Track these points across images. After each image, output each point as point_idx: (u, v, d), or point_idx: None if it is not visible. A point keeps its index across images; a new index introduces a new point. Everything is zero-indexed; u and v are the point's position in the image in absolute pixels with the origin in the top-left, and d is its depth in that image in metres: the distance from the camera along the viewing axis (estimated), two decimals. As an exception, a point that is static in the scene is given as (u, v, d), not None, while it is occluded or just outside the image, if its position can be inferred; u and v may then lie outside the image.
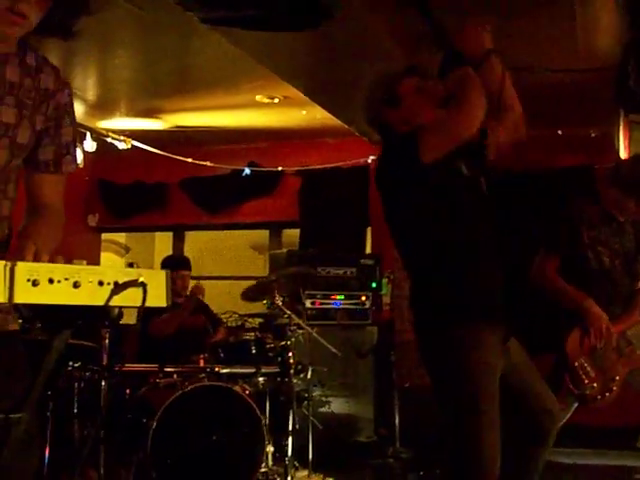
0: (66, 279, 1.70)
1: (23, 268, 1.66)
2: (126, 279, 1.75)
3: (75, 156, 2.58)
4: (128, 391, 5.70)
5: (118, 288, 1.73)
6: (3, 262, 1.65)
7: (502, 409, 3.47)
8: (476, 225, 3.67)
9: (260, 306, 7.27)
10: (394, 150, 3.73)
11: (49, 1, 2.23)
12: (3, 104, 2.34)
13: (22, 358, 2.36)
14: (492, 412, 3.45)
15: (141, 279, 1.75)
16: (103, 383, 5.32)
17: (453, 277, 3.56)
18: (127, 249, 12.14)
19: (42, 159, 2.48)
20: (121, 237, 11.89)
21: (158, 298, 1.79)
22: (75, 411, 5.48)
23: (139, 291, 1.75)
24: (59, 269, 1.70)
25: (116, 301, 1.73)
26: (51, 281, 1.68)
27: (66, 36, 2.43)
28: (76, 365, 5.52)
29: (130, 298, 1.75)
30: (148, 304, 1.76)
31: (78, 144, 8.09)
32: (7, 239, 2.43)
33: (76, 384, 5.51)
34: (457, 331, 3.49)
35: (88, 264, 6.45)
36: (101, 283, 1.73)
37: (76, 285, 1.70)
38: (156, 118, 8.55)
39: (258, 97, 7.68)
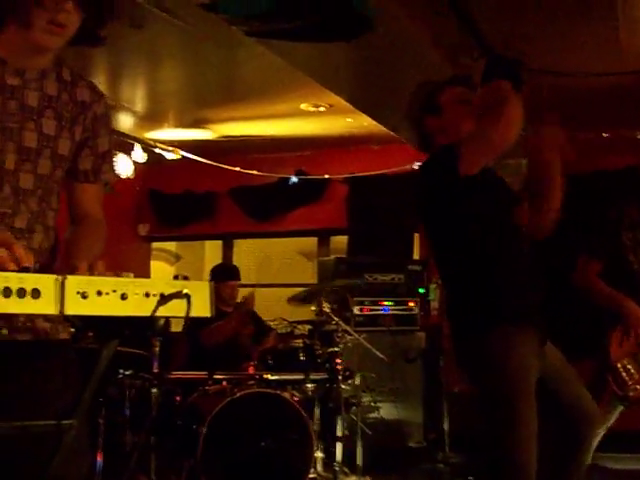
0: (114, 291, 1.77)
1: (73, 281, 1.74)
2: (171, 291, 1.82)
3: (113, 165, 2.65)
4: (178, 398, 5.76)
5: (163, 299, 1.80)
6: (54, 276, 1.73)
7: (540, 413, 3.50)
8: (513, 233, 3.70)
9: (309, 313, 7.32)
10: (433, 160, 3.76)
11: (83, 11, 2.30)
12: (43, 117, 2.42)
13: (73, 366, 2.43)
14: (528, 413, 3.47)
15: (185, 291, 1.81)
16: (154, 390, 5.41)
17: (490, 284, 3.59)
18: (177, 257, 12.25)
19: (81, 169, 2.55)
20: (171, 246, 12.02)
21: (202, 309, 1.85)
22: (126, 418, 5.56)
23: (184, 302, 1.81)
24: (107, 282, 1.77)
25: (162, 312, 1.80)
26: (99, 293, 1.75)
27: (95, 43, 2.49)
28: (127, 373, 5.61)
29: (175, 309, 1.82)
30: (192, 314, 1.82)
31: (127, 155, 8.25)
32: (54, 248, 2.51)
33: (127, 391, 5.58)
34: (493, 335, 3.53)
35: (138, 273, 6.57)
36: (147, 295, 1.80)
37: (124, 297, 1.77)
38: (204, 128, 8.65)
39: (303, 106, 7.74)
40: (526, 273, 3.67)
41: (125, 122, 8.38)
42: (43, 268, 2.36)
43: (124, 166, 8.43)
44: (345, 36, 4.96)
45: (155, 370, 5.56)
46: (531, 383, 3.52)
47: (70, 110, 2.48)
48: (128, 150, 8.43)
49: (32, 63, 2.40)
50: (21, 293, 1.68)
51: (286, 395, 5.64)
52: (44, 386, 2.33)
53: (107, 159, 2.60)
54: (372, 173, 9.16)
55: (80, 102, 2.51)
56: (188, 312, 1.80)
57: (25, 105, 2.39)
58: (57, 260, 2.48)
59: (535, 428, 3.47)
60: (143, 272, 10.56)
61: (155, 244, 11.16)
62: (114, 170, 2.65)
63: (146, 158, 8.58)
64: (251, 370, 6.07)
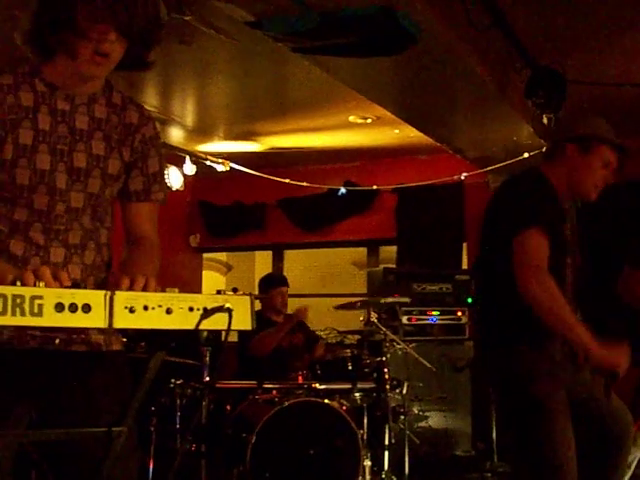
0: (160, 306, 1.87)
1: (121, 297, 1.84)
2: (214, 305, 1.91)
3: (164, 185, 2.75)
4: (228, 407, 5.87)
5: (206, 313, 1.89)
6: (104, 291, 1.83)
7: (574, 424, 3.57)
8: (561, 250, 3.74)
9: (358, 323, 7.39)
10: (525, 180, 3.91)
11: (127, 40, 2.39)
12: (93, 138, 2.54)
13: (125, 375, 2.55)
14: (561, 415, 3.53)
15: (227, 305, 1.91)
16: (204, 399, 5.51)
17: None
18: (229, 267, 12.39)
19: (132, 189, 2.66)
20: (222, 256, 12.16)
21: (243, 322, 1.94)
22: (177, 426, 5.67)
23: (226, 316, 1.91)
24: (153, 297, 1.87)
25: (205, 325, 1.89)
26: (146, 308, 1.85)
27: (142, 68, 2.59)
28: (178, 382, 5.71)
29: (218, 322, 1.90)
30: (234, 328, 1.91)
31: (178, 167, 8.39)
32: (108, 264, 2.63)
33: (178, 400, 5.69)
34: (522, 346, 3.60)
35: (191, 283, 6.69)
36: (191, 309, 1.89)
37: (169, 311, 1.87)
38: (253, 140, 8.77)
39: (351, 118, 7.83)
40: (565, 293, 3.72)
41: (176, 135, 8.53)
42: (96, 283, 2.48)
43: (175, 178, 8.57)
44: (389, 51, 5.03)
45: (205, 379, 5.67)
46: (559, 388, 3.59)
47: (119, 132, 2.60)
48: (179, 163, 8.57)
49: (81, 89, 2.52)
50: (73, 308, 1.79)
51: (334, 404, 5.70)
52: (97, 395, 2.45)
53: (158, 179, 2.71)
54: (420, 183, 9.21)
55: (129, 124, 2.62)
56: (229, 325, 1.89)
57: (75, 128, 2.51)
58: (110, 278, 2.59)
59: (569, 428, 3.54)
60: (195, 282, 10.71)
61: (206, 254, 11.30)
62: (165, 190, 2.74)
63: (196, 170, 8.71)
64: (300, 379, 6.14)
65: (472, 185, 8.98)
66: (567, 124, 4.15)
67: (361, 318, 7.34)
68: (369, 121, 7.91)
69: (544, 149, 4.14)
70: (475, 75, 5.90)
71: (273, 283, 7.36)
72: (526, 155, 7.86)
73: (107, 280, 2.58)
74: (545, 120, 6.36)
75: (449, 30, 5.13)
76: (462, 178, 8.86)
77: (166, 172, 7.86)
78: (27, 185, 2.43)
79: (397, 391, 6.42)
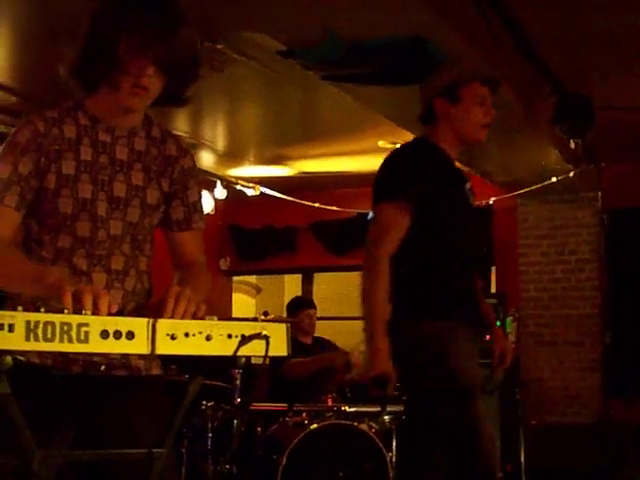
0: (200, 333, 1.95)
1: (163, 324, 1.93)
2: (251, 332, 1.99)
3: (202, 213, 2.83)
4: (259, 429, 5.92)
5: (244, 340, 1.97)
6: (146, 319, 1.92)
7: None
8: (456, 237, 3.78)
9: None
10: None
11: (165, 75, 2.48)
12: (133, 169, 2.63)
13: (163, 399, 2.63)
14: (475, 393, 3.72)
15: (264, 332, 1.99)
16: (235, 421, 5.57)
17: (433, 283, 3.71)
18: (258, 290, 12.46)
19: (174, 219, 2.75)
20: (252, 278, 12.23)
21: (280, 348, 2.02)
22: (208, 448, 5.71)
23: (263, 342, 1.99)
24: (193, 324, 1.96)
25: (243, 351, 1.97)
26: (187, 335, 1.93)
27: (179, 104, 2.69)
28: (209, 404, 5.76)
29: (255, 348, 1.98)
30: (270, 354, 1.99)
31: (208, 192, 8.48)
32: (148, 292, 2.72)
33: (209, 422, 5.73)
34: (430, 326, 3.64)
35: (221, 306, 6.76)
36: (230, 336, 1.97)
37: (208, 338, 1.95)
38: (283, 165, 8.85)
39: (380, 143, 7.89)
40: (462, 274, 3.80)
41: (206, 160, 8.63)
42: (137, 310, 2.57)
43: (206, 203, 8.64)
44: (417, 79, 5.10)
45: (236, 402, 5.73)
46: (474, 364, 3.85)
47: (158, 164, 2.69)
48: (210, 187, 8.66)
49: (121, 122, 2.62)
50: (117, 335, 1.87)
51: (363, 427, 5.73)
52: (137, 417, 2.53)
53: (197, 208, 2.80)
54: (448, 207, 9.23)
55: (168, 156, 2.72)
56: (267, 352, 1.97)
57: (115, 159, 2.60)
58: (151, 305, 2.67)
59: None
60: (225, 305, 10.78)
61: (236, 277, 11.38)
62: (203, 218, 2.83)
63: (227, 195, 8.80)
64: (330, 402, 6.18)
65: (501, 209, 9.03)
66: (428, 81, 4.09)
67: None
68: (398, 146, 7.96)
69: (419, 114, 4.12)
70: (503, 101, 5.93)
71: (301, 306, 7.44)
72: (554, 179, 7.91)
73: (147, 306, 2.66)
74: (572, 145, 6.42)
75: (476, 57, 5.19)
76: (490, 202, 8.91)
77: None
78: (70, 213, 2.51)
79: (426, 414, 6.43)
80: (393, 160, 4.02)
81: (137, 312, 2.59)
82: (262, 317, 1.97)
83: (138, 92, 2.47)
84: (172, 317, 2.09)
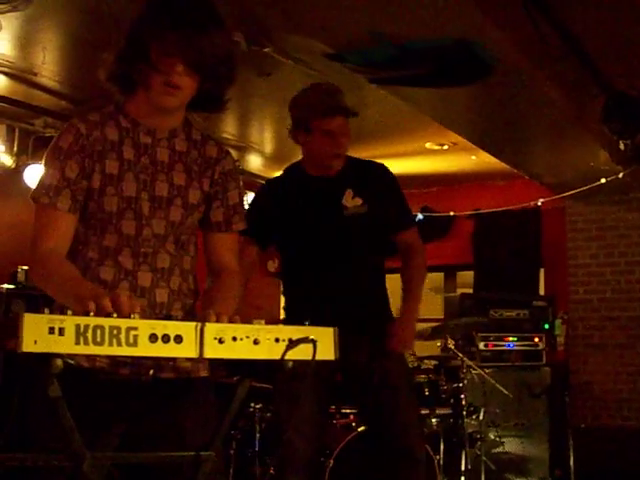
0: (247, 337, 1.96)
1: (211, 328, 1.94)
2: (299, 336, 1.99)
3: (242, 215, 2.84)
4: (307, 431, 5.92)
5: (292, 344, 1.98)
6: (194, 323, 1.93)
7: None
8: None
9: (435, 348, 7.42)
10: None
11: (198, 75, 2.53)
12: (174, 169, 2.66)
13: (211, 402, 2.65)
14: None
15: (312, 336, 1.99)
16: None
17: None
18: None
19: (214, 221, 2.76)
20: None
21: (327, 352, 2.02)
22: (256, 450, 5.75)
23: (310, 346, 1.99)
24: (241, 328, 1.97)
25: (290, 355, 1.98)
26: (234, 339, 1.95)
27: (216, 107, 2.72)
28: (257, 407, 5.79)
29: (302, 352, 1.99)
30: (318, 358, 1.99)
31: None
32: (195, 292, 2.74)
33: (257, 425, 5.76)
34: None
35: (269, 306, 6.75)
36: (277, 340, 1.98)
37: (256, 342, 1.96)
38: (330, 167, 8.85)
39: (428, 144, 7.89)
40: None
41: (254, 162, 8.66)
42: (183, 309, 2.59)
43: (254, 205, 8.69)
44: (465, 81, 5.10)
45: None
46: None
47: (199, 164, 2.73)
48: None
49: (161, 123, 2.66)
50: (165, 339, 1.89)
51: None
52: (185, 420, 2.55)
53: (238, 210, 2.82)
54: (497, 209, 9.22)
55: (209, 158, 2.75)
56: (314, 356, 1.98)
57: (156, 160, 2.64)
58: (196, 308, 2.71)
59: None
60: (274, 305, 10.80)
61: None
62: (244, 220, 2.85)
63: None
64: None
65: (549, 211, 8.98)
66: (289, 113, 4.32)
67: (438, 344, 7.37)
68: (446, 147, 7.97)
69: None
70: (551, 101, 5.93)
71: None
72: (603, 180, 7.84)
73: (194, 302, 2.70)
74: (622, 146, 6.36)
75: (524, 58, 5.17)
76: (539, 204, 8.86)
77: (245, 198, 7.97)
78: (115, 211, 2.56)
79: (474, 417, 6.43)
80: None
81: (183, 311, 2.64)
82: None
83: (170, 91, 2.51)
84: None
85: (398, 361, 4.15)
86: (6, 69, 6.08)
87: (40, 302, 2.34)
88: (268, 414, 5.80)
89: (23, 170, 6.89)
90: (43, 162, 2.59)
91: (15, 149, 7.00)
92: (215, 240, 2.79)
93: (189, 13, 2.47)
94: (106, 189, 2.55)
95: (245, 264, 3.91)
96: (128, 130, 2.62)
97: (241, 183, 2.87)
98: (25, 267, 6.30)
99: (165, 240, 2.63)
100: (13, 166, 7.00)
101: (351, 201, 4.10)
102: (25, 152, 7.04)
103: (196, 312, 2.67)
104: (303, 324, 2.02)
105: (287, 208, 4.11)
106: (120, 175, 2.57)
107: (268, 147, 8.22)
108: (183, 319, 2.40)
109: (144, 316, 1.97)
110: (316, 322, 3.32)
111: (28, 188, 6.11)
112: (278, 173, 8.96)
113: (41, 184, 2.55)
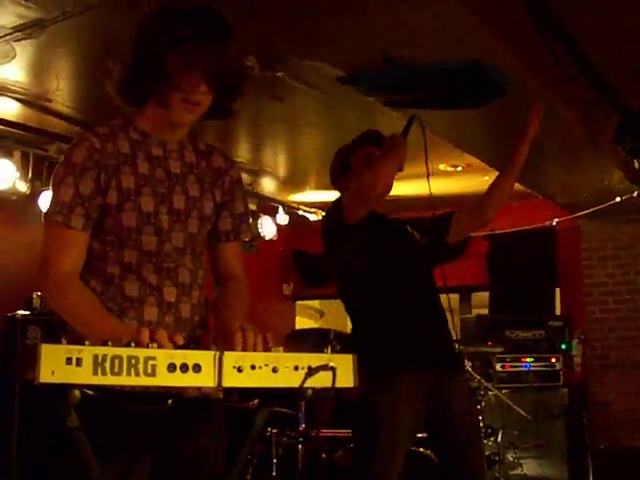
0: (266, 365, 1.94)
1: (229, 357, 1.93)
2: (318, 363, 1.98)
3: (249, 225, 2.84)
4: (323, 455, 5.90)
5: (311, 372, 1.96)
6: (213, 352, 1.92)
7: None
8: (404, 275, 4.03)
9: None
10: (329, 213, 4.10)
11: (214, 91, 2.52)
12: (187, 181, 2.66)
13: (222, 423, 2.63)
14: (389, 449, 3.78)
15: (331, 364, 1.98)
16: (300, 448, 5.56)
17: (370, 325, 3.97)
18: (321, 314, 12.46)
19: (222, 230, 2.75)
20: (315, 302, 12.25)
21: (346, 380, 2.01)
22: (273, 474, 5.72)
23: (330, 373, 1.98)
24: (260, 357, 1.95)
25: (309, 383, 1.97)
26: (253, 367, 1.93)
27: (227, 117, 2.72)
28: (274, 431, 5.77)
29: (322, 380, 1.97)
30: (337, 385, 1.98)
31: (271, 217, 8.52)
32: (206, 302, 2.72)
33: (274, 449, 5.75)
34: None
35: (284, 330, 6.75)
36: (296, 368, 1.97)
37: (275, 370, 1.95)
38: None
39: (441, 166, 7.88)
40: (412, 317, 3.96)
41: (269, 186, 8.66)
42: (199, 323, 2.61)
43: (268, 228, 8.70)
44: (478, 103, 5.10)
45: (301, 428, 5.73)
46: (397, 419, 3.77)
47: (210, 175, 2.73)
48: (272, 213, 8.70)
49: (171, 136, 2.65)
50: (184, 368, 1.88)
51: (427, 452, 5.70)
52: (203, 443, 2.53)
53: (244, 219, 2.81)
54: (512, 230, 9.19)
55: (217, 168, 2.76)
56: (334, 384, 1.96)
57: (170, 172, 2.63)
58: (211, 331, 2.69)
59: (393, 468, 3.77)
60: (289, 329, 10.81)
61: (300, 301, 11.40)
62: (251, 229, 2.84)
63: (289, 220, 8.83)
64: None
65: (564, 230, 8.97)
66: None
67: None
68: (459, 169, 7.96)
69: None
70: (563, 122, 5.92)
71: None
72: (618, 199, 7.82)
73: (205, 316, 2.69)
74: (636, 165, 6.34)
75: (537, 79, 5.17)
76: (554, 224, 8.84)
77: (260, 222, 7.99)
78: (134, 227, 2.52)
79: (492, 439, 6.40)
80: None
81: (199, 324, 2.63)
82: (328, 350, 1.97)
83: (189, 107, 2.51)
84: (243, 350, 2.09)
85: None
86: (20, 96, 6.11)
87: (57, 329, 2.34)
88: (285, 438, 5.78)
89: (38, 196, 6.90)
90: (54, 179, 2.53)
91: (30, 175, 7.01)
92: (224, 249, 2.77)
93: (209, 26, 2.45)
94: (124, 205, 2.52)
95: None
96: (139, 143, 2.60)
97: (244, 192, 2.88)
98: (40, 293, 6.31)
99: (184, 253, 2.61)
100: (28, 192, 7.01)
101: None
102: (39, 178, 7.05)
103: (208, 323, 2.68)
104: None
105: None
106: (137, 190, 2.54)
107: (281, 171, 8.23)
108: (199, 347, 2.39)
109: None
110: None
111: (43, 214, 6.10)
112: (293, 196, 9.06)
113: (54, 201, 2.50)
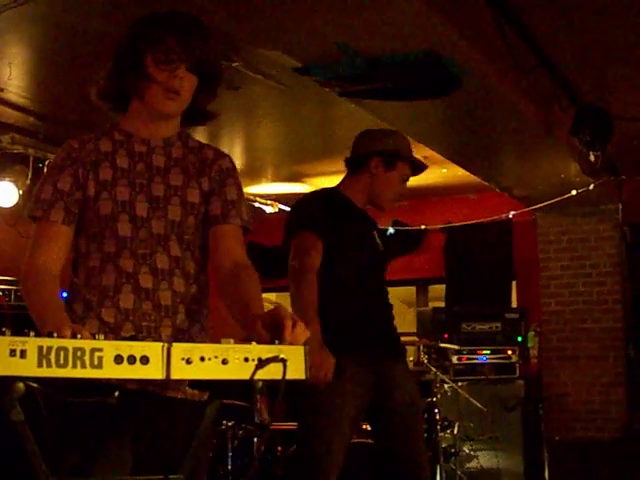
0: (216, 357, 1.90)
1: (178, 348, 1.88)
2: (269, 355, 1.94)
3: (240, 212, 2.74)
4: (279, 448, 5.88)
5: (261, 363, 1.93)
6: (161, 343, 1.88)
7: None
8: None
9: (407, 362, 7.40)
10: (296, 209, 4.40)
11: (195, 79, 2.58)
12: (170, 173, 2.67)
13: (182, 422, 2.58)
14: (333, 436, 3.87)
15: (282, 355, 1.94)
16: (255, 441, 5.53)
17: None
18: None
19: (212, 214, 2.71)
20: (272, 295, 12.21)
21: (297, 372, 1.97)
22: (229, 468, 5.69)
23: (281, 365, 1.95)
24: (209, 348, 1.91)
25: (260, 375, 1.93)
26: (202, 359, 1.89)
27: (207, 120, 2.82)
28: (229, 424, 5.74)
29: (272, 372, 1.94)
30: (288, 377, 1.94)
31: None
32: (201, 300, 2.69)
33: (230, 442, 5.72)
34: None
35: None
36: (246, 359, 1.92)
37: (224, 362, 1.90)
38: (301, 182, 8.84)
39: (399, 158, 7.87)
40: (360, 303, 4.06)
41: (224, 178, 8.62)
42: (188, 313, 2.60)
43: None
44: (434, 95, 5.09)
45: (257, 421, 5.70)
46: (345, 402, 3.83)
47: (196, 166, 2.72)
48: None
49: (156, 133, 2.68)
50: (131, 360, 1.84)
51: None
52: (154, 440, 2.50)
53: (236, 206, 2.74)
54: (468, 222, 9.22)
55: (205, 159, 2.75)
56: (284, 376, 1.93)
57: (152, 165, 2.66)
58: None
59: (338, 449, 3.87)
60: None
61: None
62: (242, 217, 2.74)
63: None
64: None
65: (520, 223, 9.01)
66: (372, 137, 4.32)
67: (411, 358, 7.35)
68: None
69: (345, 159, 4.34)
70: (520, 114, 5.93)
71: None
72: (574, 192, 7.86)
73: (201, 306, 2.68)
74: (592, 157, 6.37)
75: (493, 71, 5.18)
76: (510, 216, 8.88)
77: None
78: (110, 214, 2.57)
79: (448, 431, 6.42)
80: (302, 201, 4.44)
81: (188, 317, 2.62)
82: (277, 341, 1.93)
83: (171, 95, 2.56)
84: (293, 342, 2.06)
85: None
86: (-29, 86, 6.02)
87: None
88: (240, 432, 5.75)
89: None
90: (37, 184, 2.64)
91: (-18, 166, 6.93)
92: (217, 232, 2.70)
93: (184, 22, 2.58)
94: (100, 194, 2.58)
95: (314, 262, 4.03)
96: (122, 142, 2.66)
97: (241, 183, 2.83)
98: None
99: (167, 239, 2.61)
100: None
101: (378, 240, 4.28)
102: (-8, 169, 6.97)
103: (205, 322, 2.69)
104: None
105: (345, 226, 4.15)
106: (114, 181, 2.60)
107: (238, 161, 8.06)
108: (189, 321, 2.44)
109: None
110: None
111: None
112: (249, 188, 8.99)
113: (35, 199, 2.59)
